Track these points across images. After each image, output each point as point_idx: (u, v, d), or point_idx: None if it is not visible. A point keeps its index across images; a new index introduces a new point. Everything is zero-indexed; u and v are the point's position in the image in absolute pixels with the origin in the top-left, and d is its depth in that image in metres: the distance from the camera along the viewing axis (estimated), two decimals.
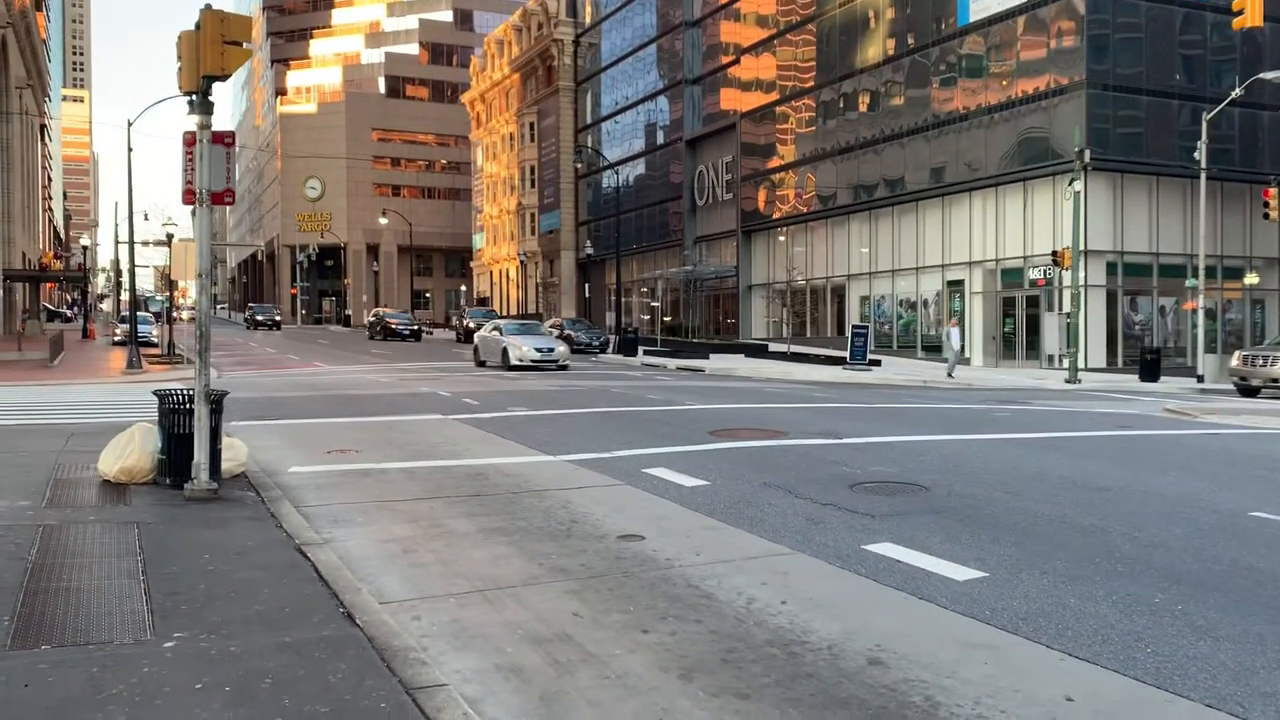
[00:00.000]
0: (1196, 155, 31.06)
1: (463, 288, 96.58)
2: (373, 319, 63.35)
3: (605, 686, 4.73)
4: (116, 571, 6.37)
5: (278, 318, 77.89)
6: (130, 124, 31.48)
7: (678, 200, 58.14)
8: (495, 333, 32.64)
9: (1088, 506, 8.92)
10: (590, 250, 61.86)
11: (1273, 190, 31.96)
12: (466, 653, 5.19)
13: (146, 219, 56.66)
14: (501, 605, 5.99)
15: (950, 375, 29.75)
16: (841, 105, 45.18)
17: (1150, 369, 29.85)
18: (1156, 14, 35.07)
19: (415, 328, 59.35)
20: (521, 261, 74.58)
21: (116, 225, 42.77)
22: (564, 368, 30.65)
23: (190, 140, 9.03)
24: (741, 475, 10.45)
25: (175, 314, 37.96)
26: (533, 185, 75.26)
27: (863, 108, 43.83)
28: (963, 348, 33.49)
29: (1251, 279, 37.38)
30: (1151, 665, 4.99)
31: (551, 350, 31.00)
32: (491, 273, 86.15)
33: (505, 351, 30.71)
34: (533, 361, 30.36)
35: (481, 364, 32.57)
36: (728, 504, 8.97)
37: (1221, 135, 34.40)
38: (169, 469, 9.16)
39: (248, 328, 75.78)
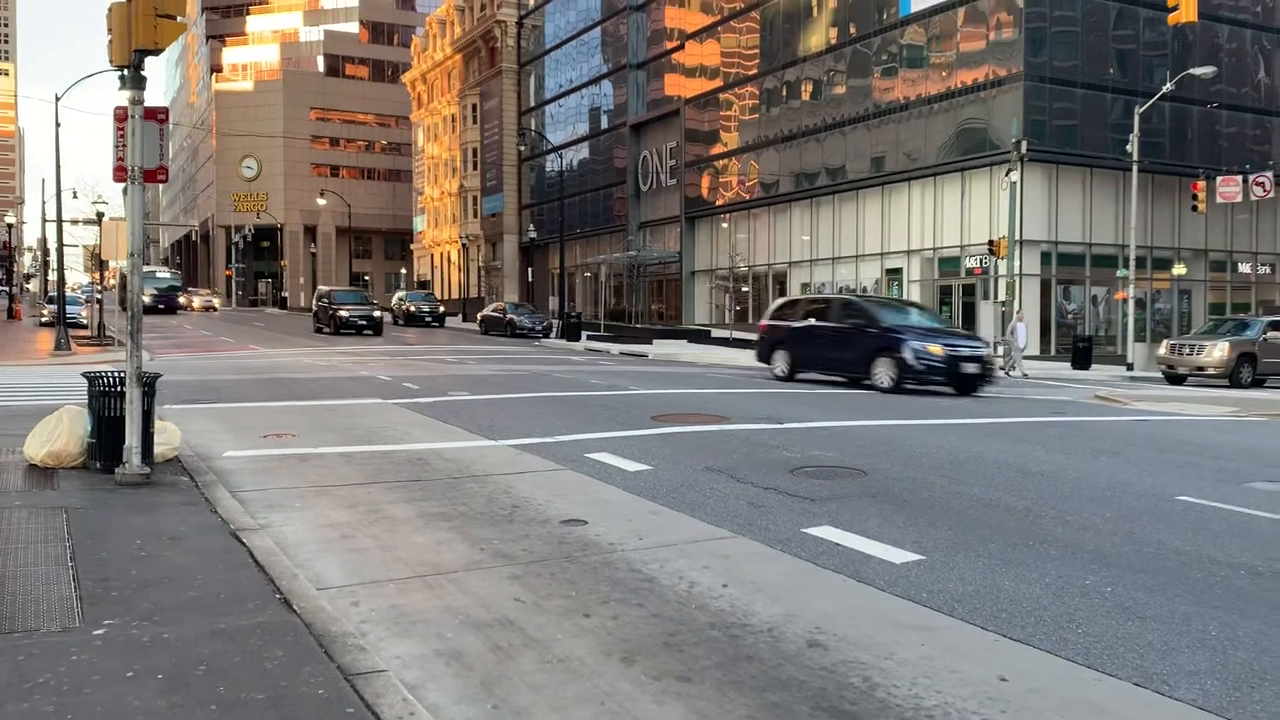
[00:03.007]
0: (1129, 148, 31.80)
1: (403, 270, 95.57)
2: (495, 313, 48.47)
3: (547, 671, 4.72)
4: (43, 558, 6.20)
5: (376, 314, 43.51)
6: (58, 98, 30.57)
7: (622, 185, 58.05)
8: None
9: (1021, 490, 9.10)
10: (533, 234, 61.53)
11: (1201, 183, 32.88)
12: (407, 638, 5.14)
13: (76, 197, 55.18)
14: (442, 591, 5.94)
15: (1010, 373, 26.98)
16: (784, 93, 45.40)
17: (1082, 357, 30.56)
18: (1092, 8, 35.75)
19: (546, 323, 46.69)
20: (463, 244, 73.95)
21: (44, 203, 41.57)
22: None
23: (122, 116, 8.78)
24: (684, 460, 10.48)
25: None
26: (475, 168, 74.60)
27: (805, 96, 44.09)
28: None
29: (1179, 269, 38.41)
30: (1082, 645, 5.11)
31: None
32: (433, 255, 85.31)
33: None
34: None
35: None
36: (670, 488, 8.99)
37: (1153, 129, 35.23)
38: (99, 453, 8.94)
39: (323, 329, 43.60)
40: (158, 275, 68.27)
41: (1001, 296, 32.17)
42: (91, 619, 5.07)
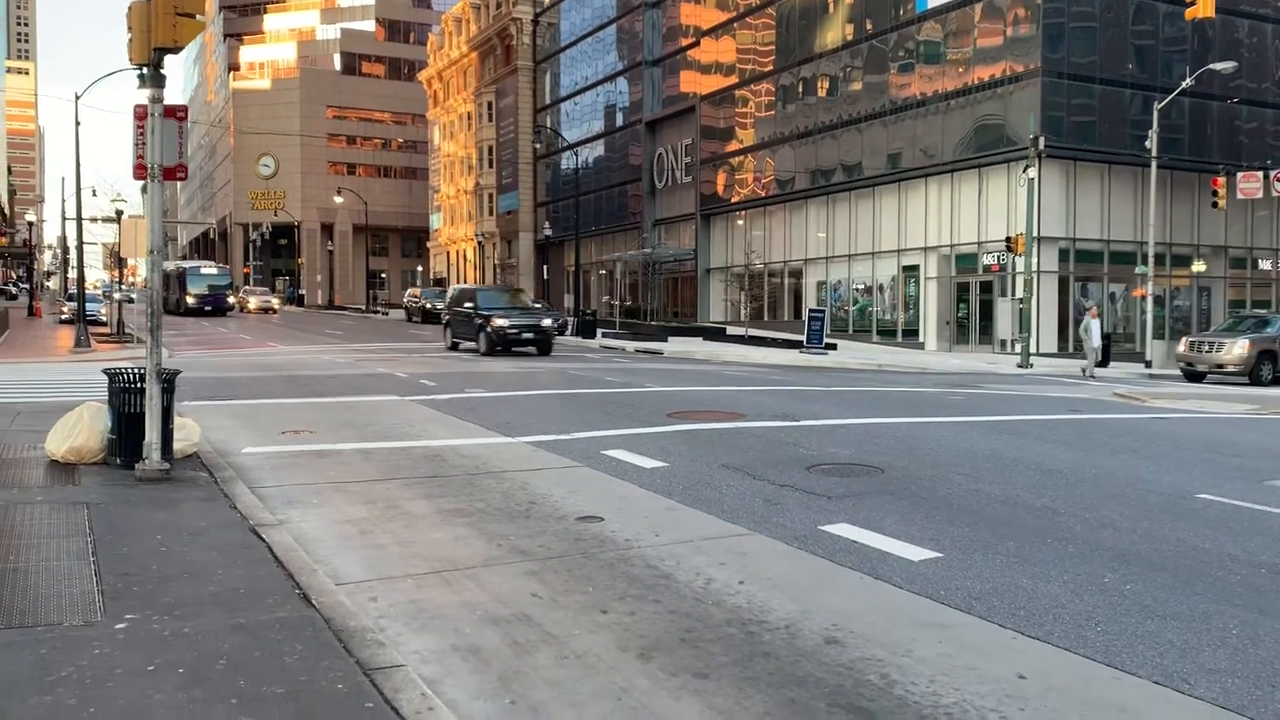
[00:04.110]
0: (1147, 144, 31.57)
1: (419, 268, 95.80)
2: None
3: (564, 666, 4.73)
4: (65, 552, 6.25)
5: (546, 322, 30.35)
6: (78, 97, 30.79)
7: (637, 182, 58.01)
8: None
9: (1040, 488, 9.07)
10: (549, 232, 61.58)
11: (1221, 179, 32.61)
12: (425, 634, 5.16)
13: (95, 195, 55.34)
14: (460, 586, 5.96)
15: (1087, 374, 25.70)
16: (800, 90, 45.27)
17: (1100, 354, 30.34)
18: (1110, 3, 35.49)
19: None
20: (479, 242, 74.06)
21: (64, 201, 41.88)
22: None
23: (141, 114, 8.84)
24: (700, 457, 10.48)
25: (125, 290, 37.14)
26: (491, 165, 74.71)
27: (821, 93, 43.96)
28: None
29: (1199, 266, 38.12)
30: (1101, 643, 5.09)
31: None
32: (449, 253, 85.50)
33: None
34: None
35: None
36: (686, 485, 9.00)
37: (1172, 125, 34.96)
38: (119, 449, 9.00)
39: (463, 343, 30.83)
40: (202, 271, 59.02)
41: (1019, 294, 32.01)
42: (113, 613, 5.12)
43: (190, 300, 54.73)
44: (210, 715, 3.91)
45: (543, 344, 29.36)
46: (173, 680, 4.24)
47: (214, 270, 60.46)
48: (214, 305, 55.58)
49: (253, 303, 63.72)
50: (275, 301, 67.66)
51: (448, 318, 32.52)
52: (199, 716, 3.90)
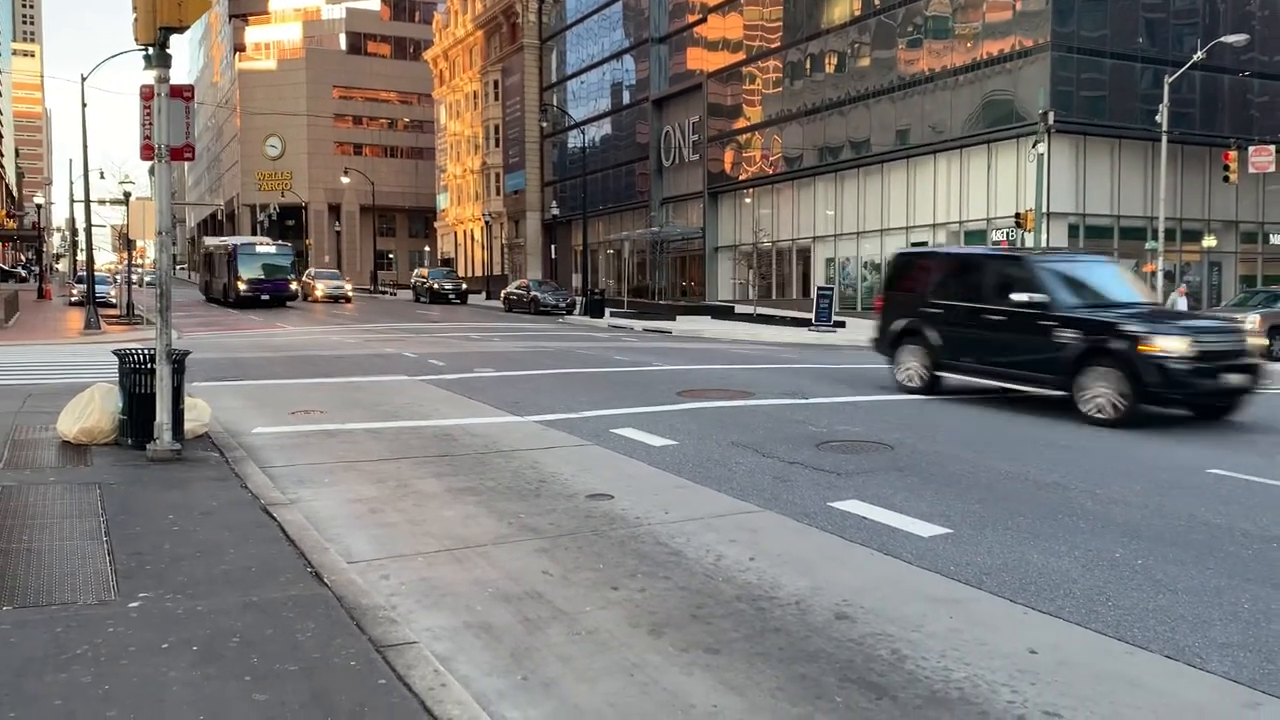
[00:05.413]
0: (1158, 118, 31.28)
1: (426, 248, 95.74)
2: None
3: (576, 643, 4.75)
4: (79, 532, 6.29)
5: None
6: (84, 78, 30.76)
7: (644, 161, 57.78)
8: None
9: (1049, 464, 9.05)
10: (556, 211, 61.48)
11: (1232, 153, 32.31)
12: (437, 611, 5.18)
13: (103, 177, 55.07)
14: (471, 564, 5.98)
15: None
16: (808, 66, 44.98)
17: None
18: None
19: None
20: (486, 222, 73.93)
21: (71, 183, 41.88)
22: None
23: (148, 94, 8.81)
24: (709, 435, 10.48)
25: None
26: (497, 145, 74.47)
27: (829, 69, 43.67)
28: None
29: (1209, 241, 37.88)
30: (1112, 618, 5.09)
31: None
32: (456, 233, 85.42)
33: None
34: None
35: None
36: (696, 463, 9.00)
37: (1182, 99, 34.63)
38: (130, 430, 9.04)
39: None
40: (257, 250, 46.91)
41: None
42: (126, 592, 5.15)
43: (242, 287, 44.63)
44: (224, 692, 3.94)
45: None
46: (186, 658, 4.27)
47: (271, 248, 47.95)
48: (272, 293, 45.00)
49: (321, 289, 52.50)
50: (349, 287, 55.85)
51: (905, 328, 14.73)
52: (213, 693, 3.92)
